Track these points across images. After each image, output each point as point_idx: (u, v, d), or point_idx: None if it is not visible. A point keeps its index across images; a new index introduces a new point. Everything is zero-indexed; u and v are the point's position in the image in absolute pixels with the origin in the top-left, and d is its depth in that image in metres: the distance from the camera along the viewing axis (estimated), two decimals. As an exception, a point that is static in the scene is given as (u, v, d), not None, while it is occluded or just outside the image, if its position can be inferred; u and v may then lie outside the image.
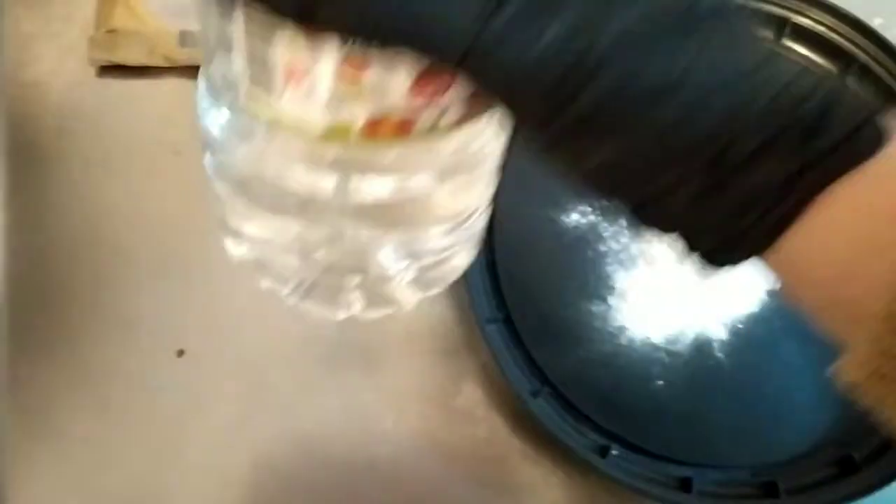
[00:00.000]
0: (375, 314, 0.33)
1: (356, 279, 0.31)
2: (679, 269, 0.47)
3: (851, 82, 0.51)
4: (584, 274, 0.47)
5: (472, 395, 0.47)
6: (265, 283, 0.32)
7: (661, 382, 0.46)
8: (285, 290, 0.32)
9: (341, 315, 0.32)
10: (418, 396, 0.46)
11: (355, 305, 0.32)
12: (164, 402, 0.44)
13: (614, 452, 0.45)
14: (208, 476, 0.44)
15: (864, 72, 0.51)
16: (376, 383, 0.46)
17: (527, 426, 0.46)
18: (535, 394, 0.44)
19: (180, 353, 0.45)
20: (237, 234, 0.31)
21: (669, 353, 0.46)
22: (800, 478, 0.45)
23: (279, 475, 0.44)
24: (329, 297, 0.32)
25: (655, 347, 0.46)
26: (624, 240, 0.48)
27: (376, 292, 0.31)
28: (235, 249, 0.32)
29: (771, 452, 0.46)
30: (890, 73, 0.50)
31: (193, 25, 0.43)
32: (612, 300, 0.47)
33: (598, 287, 0.47)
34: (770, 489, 0.44)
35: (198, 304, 0.46)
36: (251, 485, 0.44)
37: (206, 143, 0.29)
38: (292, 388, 0.46)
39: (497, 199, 0.47)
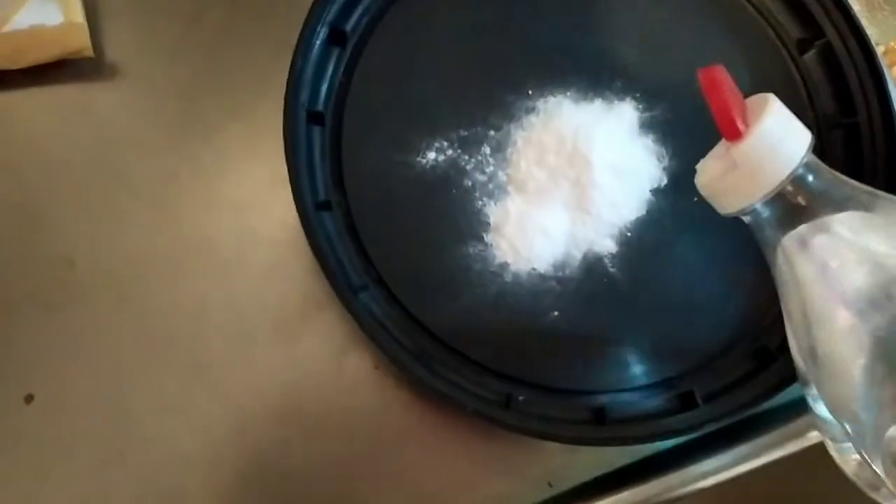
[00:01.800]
0: None
1: None
2: (553, 189, 0.43)
3: (810, 57, 0.47)
4: (454, 215, 0.43)
5: (360, 368, 0.43)
6: None
7: (556, 313, 0.42)
8: None
9: None
10: (302, 383, 0.42)
11: None
12: (21, 453, 0.40)
13: (521, 398, 0.41)
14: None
15: (827, 50, 0.46)
16: (253, 383, 0.42)
17: (425, 391, 0.42)
18: (421, 358, 0.41)
19: (29, 398, 0.41)
20: None
21: (559, 280, 0.43)
22: (718, 380, 0.42)
23: (166, 502, 0.40)
24: None
25: (543, 277, 0.43)
26: (489, 169, 0.44)
27: None
28: None
29: (685, 361, 0.43)
30: (851, 58, 0.45)
31: None
32: (488, 237, 0.43)
33: (471, 226, 0.43)
34: (687, 400, 0.41)
35: (40, 344, 0.42)
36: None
37: None
38: (160, 409, 0.41)
39: (342, 154, 0.43)
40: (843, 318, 0.29)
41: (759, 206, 0.30)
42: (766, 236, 0.31)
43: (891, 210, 0.30)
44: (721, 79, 0.30)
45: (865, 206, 0.30)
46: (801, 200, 0.30)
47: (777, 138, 0.29)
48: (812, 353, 0.30)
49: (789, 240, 0.30)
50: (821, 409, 0.32)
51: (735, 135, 0.29)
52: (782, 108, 0.30)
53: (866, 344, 0.29)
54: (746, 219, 0.32)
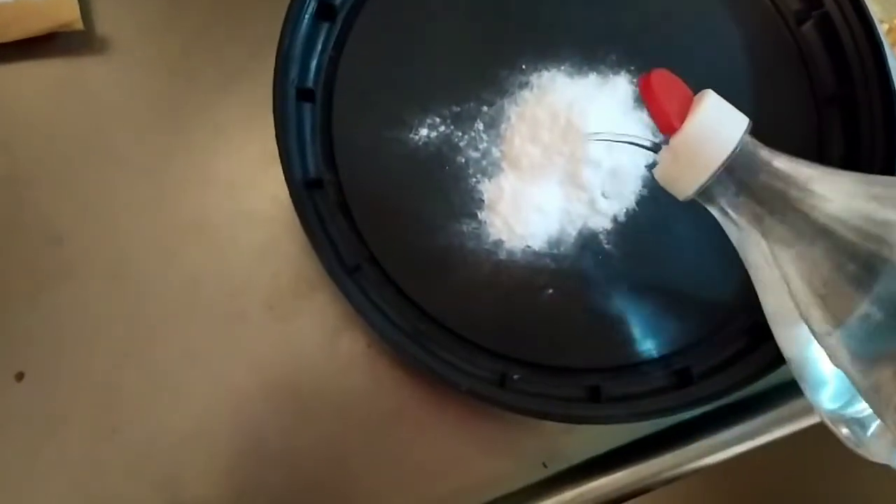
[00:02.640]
0: None
1: None
2: (548, 165, 0.42)
3: (808, 28, 0.46)
4: (447, 192, 0.43)
5: (353, 347, 0.42)
6: None
7: (550, 291, 0.42)
8: None
9: None
10: (294, 362, 0.42)
11: None
12: (12, 431, 0.40)
13: (515, 377, 0.41)
14: (82, 498, 0.40)
15: (825, 20, 0.45)
16: (245, 362, 0.42)
17: (419, 370, 0.42)
18: (414, 337, 0.40)
19: (20, 376, 0.41)
20: None
21: (554, 257, 0.42)
22: (714, 357, 0.42)
23: (159, 480, 0.40)
24: None
25: (538, 255, 0.42)
26: (483, 145, 0.43)
27: None
28: None
29: (681, 337, 0.42)
30: (849, 28, 0.44)
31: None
32: (482, 215, 0.43)
33: (465, 203, 0.43)
34: (683, 377, 0.41)
35: (31, 322, 0.41)
36: (132, 500, 0.40)
37: None
38: (152, 387, 0.41)
39: (332, 132, 0.43)
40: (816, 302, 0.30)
41: (709, 189, 0.32)
42: (731, 224, 0.33)
43: (839, 182, 0.31)
44: (656, 82, 0.32)
45: (816, 182, 0.31)
46: (751, 184, 0.31)
47: (710, 129, 0.32)
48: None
49: (763, 225, 0.31)
50: (815, 398, 0.32)
51: (668, 129, 0.32)
52: (717, 101, 0.32)
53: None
54: (709, 206, 0.33)
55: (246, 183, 0.43)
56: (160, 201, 0.43)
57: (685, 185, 0.33)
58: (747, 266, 0.33)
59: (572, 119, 0.42)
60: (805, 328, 0.31)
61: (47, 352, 0.41)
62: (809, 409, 0.42)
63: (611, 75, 0.44)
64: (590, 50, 0.44)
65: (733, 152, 0.31)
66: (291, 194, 0.39)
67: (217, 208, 0.43)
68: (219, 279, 0.42)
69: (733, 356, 0.41)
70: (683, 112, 0.32)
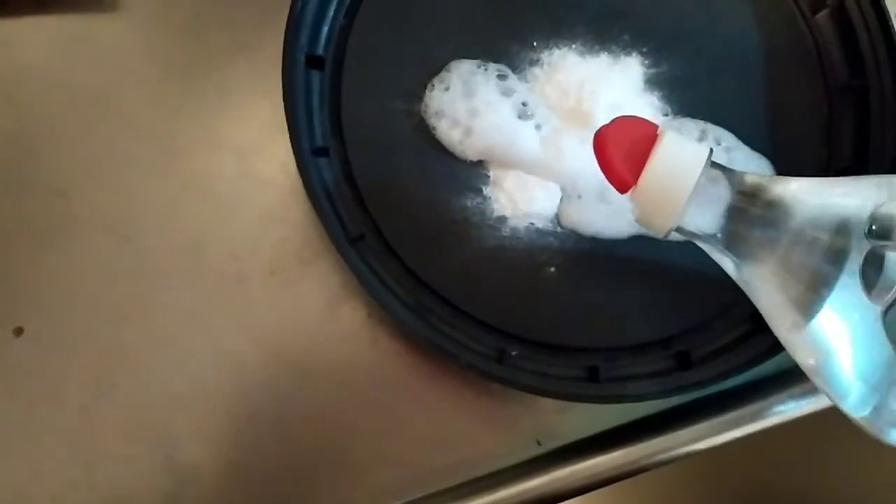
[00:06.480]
0: None
1: None
2: (553, 143, 0.42)
3: (823, 17, 0.45)
4: (452, 166, 0.43)
5: (354, 317, 0.42)
6: None
7: (552, 269, 0.42)
8: None
9: None
10: (294, 329, 0.42)
11: None
12: (10, 386, 0.40)
13: (513, 353, 0.41)
14: (77, 455, 0.40)
15: (840, 10, 0.45)
16: (245, 326, 0.42)
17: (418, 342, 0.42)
18: (415, 310, 0.40)
19: (18, 331, 0.41)
20: None
21: (557, 235, 0.42)
22: (713, 342, 0.42)
23: (156, 440, 0.40)
24: None
25: (541, 232, 0.42)
26: (491, 121, 0.43)
27: None
28: None
29: (681, 321, 0.42)
30: (864, 20, 0.44)
31: None
32: (487, 190, 0.43)
33: (470, 178, 0.43)
34: (682, 360, 0.41)
35: (31, 277, 0.41)
36: (127, 459, 0.40)
37: None
38: (152, 346, 0.41)
39: (341, 101, 0.43)
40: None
41: (685, 226, 0.33)
42: (717, 253, 0.34)
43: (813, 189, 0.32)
44: (607, 139, 0.32)
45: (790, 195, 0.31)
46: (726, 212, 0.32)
47: (667, 174, 0.32)
48: None
49: (747, 246, 0.32)
50: (844, 405, 0.32)
51: (624, 188, 0.33)
52: (670, 143, 0.32)
53: None
54: (693, 241, 0.34)
55: (253, 148, 0.43)
56: (166, 161, 0.43)
57: (658, 228, 0.33)
58: (744, 289, 0.34)
59: (582, 98, 0.42)
60: (815, 339, 0.31)
61: (47, 307, 0.41)
62: (805, 397, 0.42)
63: (622, 56, 0.44)
64: (602, 29, 0.44)
65: (694, 190, 0.31)
66: (297, 162, 0.39)
67: (223, 172, 0.43)
68: (222, 243, 0.42)
69: (733, 342, 0.41)
70: (641, 162, 0.32)
